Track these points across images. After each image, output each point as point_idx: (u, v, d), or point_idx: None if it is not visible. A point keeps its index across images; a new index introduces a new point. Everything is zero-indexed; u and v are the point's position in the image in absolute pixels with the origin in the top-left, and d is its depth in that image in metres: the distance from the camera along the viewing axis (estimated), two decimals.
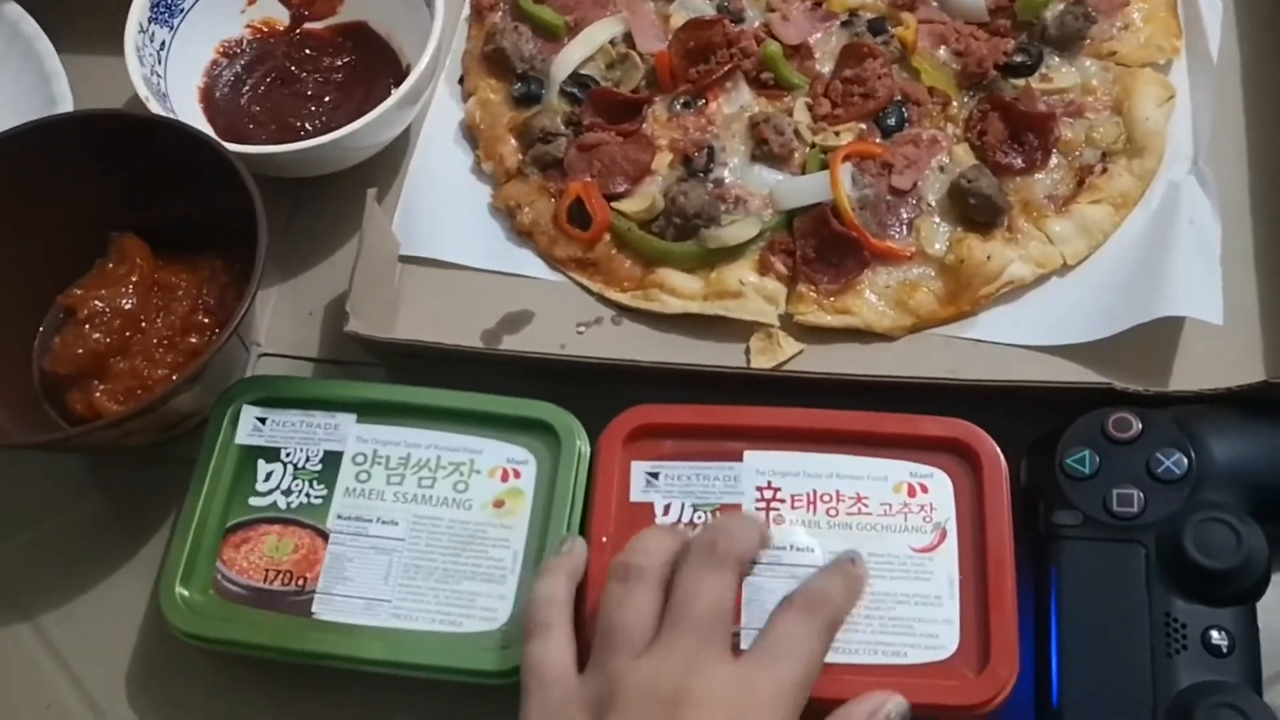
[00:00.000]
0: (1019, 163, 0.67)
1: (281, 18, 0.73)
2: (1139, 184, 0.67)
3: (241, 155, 0.61)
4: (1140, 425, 0.50)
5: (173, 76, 0.69)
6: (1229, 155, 0.68)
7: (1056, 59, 0.70)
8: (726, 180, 0.69)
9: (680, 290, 0.66)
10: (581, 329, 0.67)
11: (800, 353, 0.65)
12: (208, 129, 0.69)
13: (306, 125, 0.69)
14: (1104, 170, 0.67)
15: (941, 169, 0.68)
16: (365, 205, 0.65)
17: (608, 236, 0.68)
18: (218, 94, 0.71)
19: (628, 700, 0.45)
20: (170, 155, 0.62)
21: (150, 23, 0.67)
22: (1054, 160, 0.68)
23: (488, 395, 0.58)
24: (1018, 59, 0.70)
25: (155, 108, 0.64)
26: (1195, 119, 0.69)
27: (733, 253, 0.67)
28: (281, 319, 0.68)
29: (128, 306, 0.62)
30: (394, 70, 0.72)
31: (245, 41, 0.73)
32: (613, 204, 0.68)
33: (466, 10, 0.76)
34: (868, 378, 0.61)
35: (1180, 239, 0.64)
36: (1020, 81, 0.69)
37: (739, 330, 0.66)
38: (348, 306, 0.61)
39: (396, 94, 0.65)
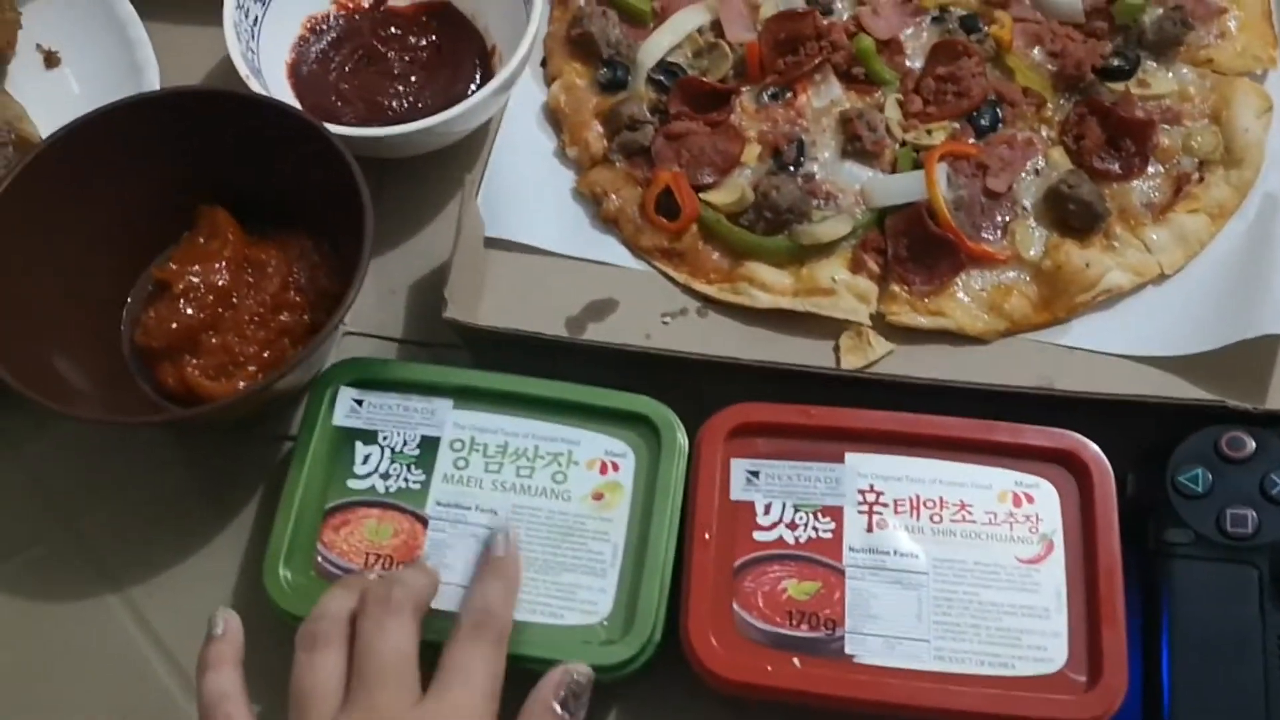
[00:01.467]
0: (1116, 169, 0.67)
1: None
2: (1236, 195, 0.67)
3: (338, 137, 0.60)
4: (1254, 445, 0.50)
5: (264, 52, 0.68)
6: None
7: (1153, 64, 0.69)
8: (817, 175, 0.68)
9: (770, 285, 0.66)
10: (667, 319, 0.66)
11: (890, 353, 0.64)
12: (296, 105, 0.68)
13: (393, 105, 0.69)
14: (1200, 179, 0.67)
15: (1037, 172, 0.67)
16: (463, 192, 0.64)
17: (694, 227, 0.67)
18: (305, 70, 0.70)
19: None
20: (265, 132, 0.62)
21: None
22: (1151, 167, 0.67)
23: (585, 386, 0.57)
24: (1115, 63, 0.69)
25: (255, 86, 0.64)
26: None
27: (824, 249, 0.66)
28: (365, 297, 0.66)
29: (220, 282, 0.61)
30: (479, 51, 0.71)
31: (332, 17, 0.72)
32: (701, 195, 0.68)
33: None
34: (968, 385, 0.60)
35: (1278, 254, 0.63)
36: (1118, 85, 0.69)
37: (827, 327, 0.65)
38: (446, 292, 0.61)
39: (494, 82, 0.64)
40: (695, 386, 0.60)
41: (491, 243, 0.68)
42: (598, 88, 0.71)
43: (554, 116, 0.72)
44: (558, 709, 0.48)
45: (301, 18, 0.71)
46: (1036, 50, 0.70)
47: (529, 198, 0.69)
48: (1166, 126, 0.68)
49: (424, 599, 0.50)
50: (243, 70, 0.64)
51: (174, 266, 0.62)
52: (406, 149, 0.66)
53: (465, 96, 0.68)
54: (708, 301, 0.67)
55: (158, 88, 0.69)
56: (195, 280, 0.61)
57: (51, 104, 0.71)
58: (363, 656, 0.48)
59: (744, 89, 0.70)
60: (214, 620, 0.50)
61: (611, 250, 0.68)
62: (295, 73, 0.70)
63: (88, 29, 0.71)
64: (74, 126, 0.61)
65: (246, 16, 0.67)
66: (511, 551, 0.52)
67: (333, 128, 0.61)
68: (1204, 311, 0.63)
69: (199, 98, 0.64)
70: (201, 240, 0.63)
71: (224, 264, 0.62)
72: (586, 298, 0.67)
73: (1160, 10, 0.70)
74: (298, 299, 0.62)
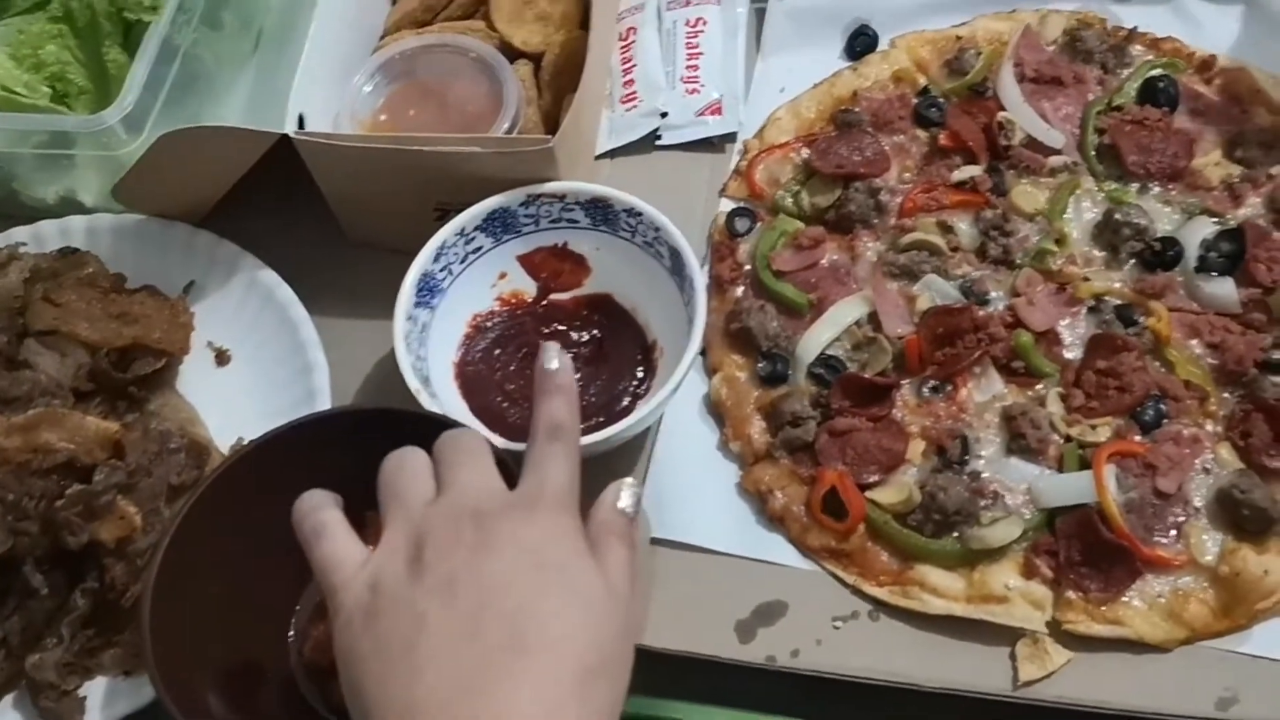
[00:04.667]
0: None
1: (529, 290, 0.74)
2: None
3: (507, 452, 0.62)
4: None
5: (432, 356, 0.70)
6: None
7: None
8: (983, 473, 0.68)
9: (942, 590, 0.65)
10: (838, 624, 0.66)
11: (1069, 661, 0.63)
12: (462, 405, 0.70)
13: None
14: None
15: (1206, 470, 0.67)
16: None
17: (862, 527, 0.68)
18: (471, 369, 0.72)
19: (437, 530, 0.49)
20: (433, 442, 0.63)
21: (416, 308, 0.69)
22: None
23: None
24: (1276, 356, 0.69)
25: (424, 400, 0.65)
26: None
27: (995, 552, 0.66)
28: None
29: None
30: (641, 345, 0.72)
31: (496, 314, 0.74)
32: (867, 493, 0.68)
33: (705, 280, 0.77)
34: (1150, 714, 0.60)
35: None
36: None
37: (1004, 633, 0.64)
38: None
39: (656, 398, 0.66)
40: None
41: (659, 542, 0.68)
42: (758, 381, 0.72)
43: (716, 409, 0.73)
44: (625, 509, 0.52)
45: (468, 316, 0.73)
46: (1195, 343, 0.71)
47: (696, 495, 0.70)
48: None
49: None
50: (412, 385, 0.66)
51: None
52: None
53: (628, 393, 0.70)
54: (879, 604, 0.66)
55: (327, 387, 0.71)
56: None
57: (222, 402, 0.73)
58: (443, 448, 0.53)
59: (904, 382, 0.71)
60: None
61: (780, 549, 0.68)
62: (462, 372, 0.72)
63: (260, 329, 0.74)
64: (254, 446, 0.63)
65: (416, 325, 0.69)
66: (564, 363, 0.56)
67: (499, 441, 0.63)
68: None
69: (368, 417, 0.66)
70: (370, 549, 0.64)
71: None
72: (756, 600, 0.67)
73: None
74: None
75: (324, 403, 0.70)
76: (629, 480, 0.54)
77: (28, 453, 0.62)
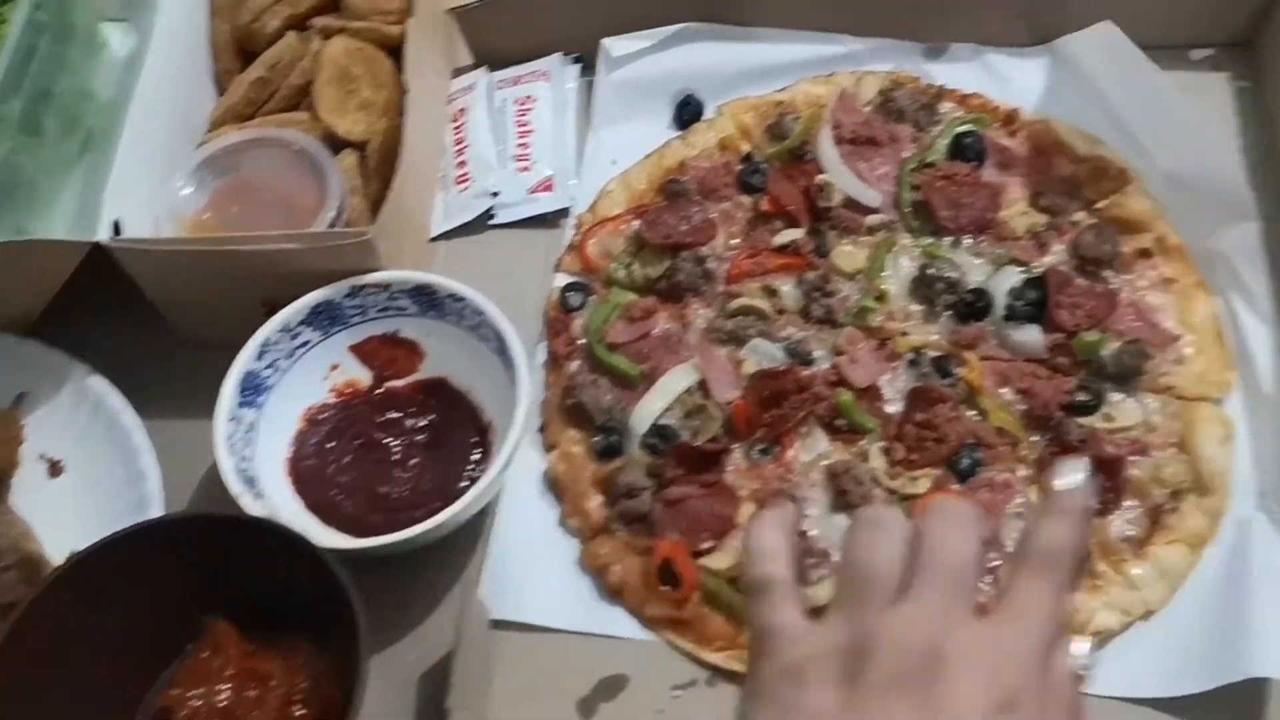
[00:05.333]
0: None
1: (364, 378, 0.75)
2: (1211, 522, 0.69)
3: (334, 550, 0.62)
4: None
5: (261, 455, 0.70)
6: None
7: (1117, 395, 0.73)
8: (810, 532, 0.70)
9: None
10: (677, 693, 0.67)
11: None
12: (296, 502, 0.70)
13: (393, 492, 0.70)
14: (1174, 509, 0.69)
15: (1019, 514, 0.70)
16: (465, 601, 0.66)
17: (697, 594, 0.69)
18: (304, 465, 0.72)
19: (882, 653, 0.42)
20: (261, 547, 0.63)
21: (239, 408, 0.69)
22: (1126, 501, 0.70)
23: None
24: (1080, 397, 0.72)
25: (248, 503, 0.65)
26: (1257, 452, 0.71)
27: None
28: (375, 690, 0.66)
29: (223, 704, 0.62)
30: (477, 427, 0.73)
31: (329, 406, 0.74)
32: (701, 560, 0.69)
33: (543, 356, 0.78)
34: None
35: (1258, 587, 0.66)
36: (1086, 420, 0.72)
37: None
38: (448, 703, 0.62)
39: (483, 481, 0.66)
40: None
41: (499, 624, 0.69)
42: (594, 455, 0.74)
43: (554, 485, 0.74)
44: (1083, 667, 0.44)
45: (300, 410, 0.73)
46: (1006, 390, 0.74)
47: (535, 574, 0.71)
48: (1136, 458, 0.71)
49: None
50: (234, 489, 0.66)
51: (175, 692, 0.63)
52: (406, 546, 0.68)
53: (465, 476, 0.71)
54: (715, 671, 0.67)
55: (159, 494, 0.71)
56: (198, 704, 0.62)
57: (55, 513, 0.72)
58: (930, 549, 0.44)
59: (734, 447, 0.73)
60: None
61: (620, 622, 0.69)
62: (295, 469, 0.72)
63: (91, 438, 0.73)
64: (75, 560, 0.63)
65: (240, 425, 0.69)
66: (1082, 494, 0.47)
67: (328, 538, 0.63)
68: (1191, 649, 0.65)
69: (192, 523, 0.66)
70: (205, 655, 0.64)
71: (227, 682, 0.63)
72: (597, 675, 0.68)
73: (1118, 344, 0.74)
74: (302, 713, 0.62)
75: (156, 509, 0.70)
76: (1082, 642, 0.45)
77: None
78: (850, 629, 0.43)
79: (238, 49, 0.87)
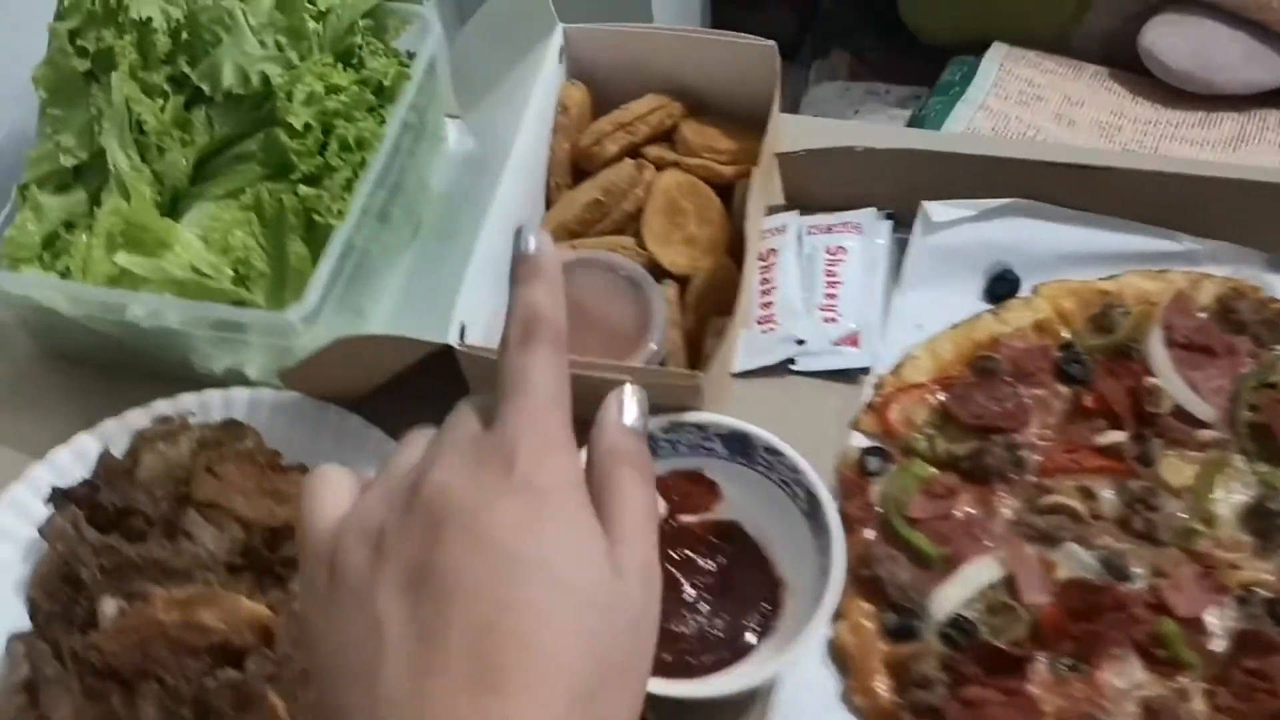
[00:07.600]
0: None
1: (660, 510, 0.75)
2: None
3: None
4: None
5: None
6: None
7: None
8: None
9: None
10: None
11: None
12: None
13: (686, 633, 0.69)
14: None
15: None
16: None
17: None
18: None
19: (396, 503, 0.40)
20: None
21: None
22: None
23: None
24: None
25: None
26: None
27: None
28: None
29: None
30: (768, 578, 0.71)
31: None
32: None
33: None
34: None
35: None
36: None
37: None
38: None
39: (793, 645, 0.65)
40: None
41: None
42: (885, 633, 0.71)
43: (839, 655, 0.71)
44: (633, 425, 0.42)
45: None
46: None
47: None
48: None
49: None
50: None
51: None
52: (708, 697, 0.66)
53: (752, 629, 0.69)
54: None
55: None
56: None
57: None
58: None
59: (1038, 655, 0.69)
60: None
61: None
62: None
63: None
64: None
65: None
66: (544, 245, 0.44)
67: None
68: None
69: None
70: None
71: None
72: None
73: None
74: None
75: None
76: (628, 386, 0.44)
77: (183, 630, 0.63)
78: (378, 492, 0.41)
79: (572, 166, 0.91)
